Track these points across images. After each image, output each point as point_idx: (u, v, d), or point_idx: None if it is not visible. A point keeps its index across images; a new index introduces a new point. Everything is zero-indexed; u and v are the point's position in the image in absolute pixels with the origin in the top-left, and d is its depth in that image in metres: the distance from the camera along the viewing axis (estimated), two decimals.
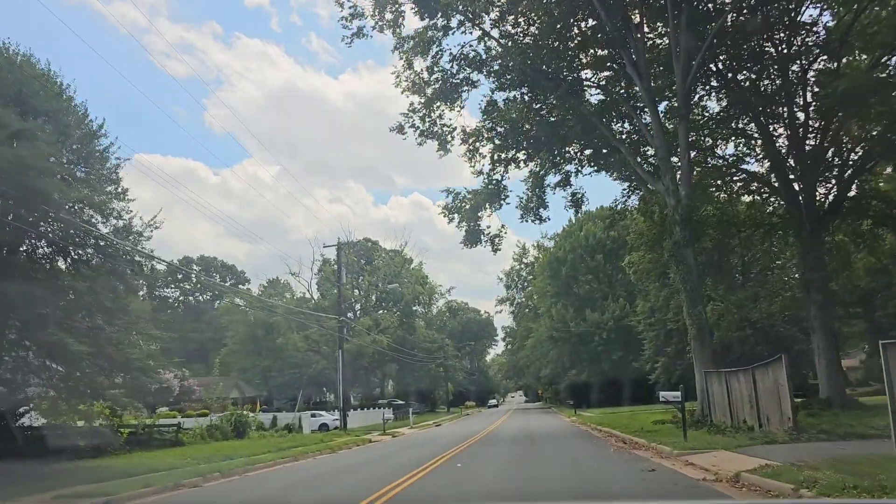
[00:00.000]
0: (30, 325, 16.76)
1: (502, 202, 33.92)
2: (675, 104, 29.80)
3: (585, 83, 31.74)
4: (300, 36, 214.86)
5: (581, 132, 30.57)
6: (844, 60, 29.05)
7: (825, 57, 29.70)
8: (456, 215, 34.05)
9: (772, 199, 35.14)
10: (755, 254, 37.13)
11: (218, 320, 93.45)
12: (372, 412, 56.95)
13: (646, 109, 29.97)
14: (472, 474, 15.26)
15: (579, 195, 34.59)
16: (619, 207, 36.63)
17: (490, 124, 32.54)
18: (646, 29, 30.18)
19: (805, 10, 29.10)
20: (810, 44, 29.72)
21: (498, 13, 30.63)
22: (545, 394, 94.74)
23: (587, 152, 33.68)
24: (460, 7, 29.71)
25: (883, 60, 27.16)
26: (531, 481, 13.53)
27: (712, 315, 35.29)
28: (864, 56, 28.75)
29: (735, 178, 35.51)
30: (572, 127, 30.71)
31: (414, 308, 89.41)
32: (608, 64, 31.50)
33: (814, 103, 29.99)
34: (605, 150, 32.56)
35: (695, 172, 30.83)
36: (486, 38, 31.22)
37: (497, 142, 32.85)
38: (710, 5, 28.58)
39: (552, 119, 31.88)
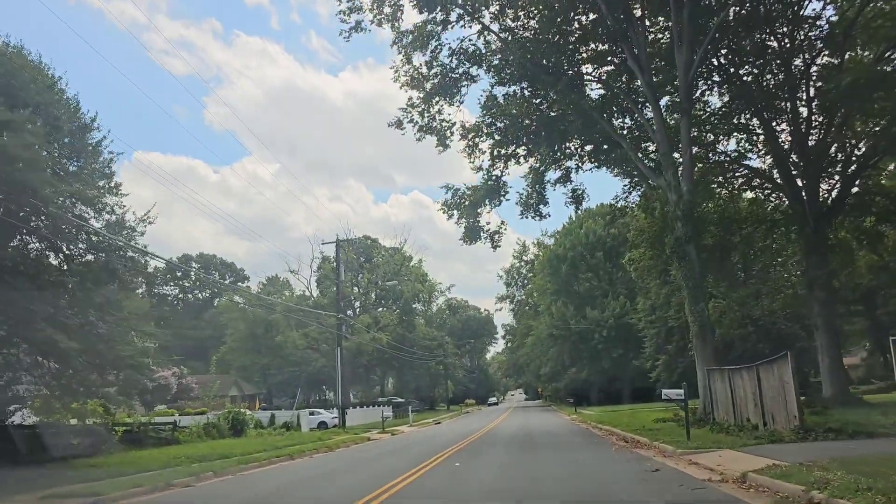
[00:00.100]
0: (20, 322, 16.41)
1: (502, 198, 33.57)
2: (677, 99, 29.48)
3: (586, 77, 31.38)
4: (300, 34, 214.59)
5: (581, 127, 30.22)
6: (848, 55, 28.70)
7: (828, 52, 29.35)
8: (455, 212, 33.73)
9: (774, 196, 34.82)
10: (757, 251, 36.74)
11: (217, 318, 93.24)
12: (371, 410, 56.64)
13: (647, 104, 29.62)
14: (470, 474, 14.93)
15: (580, 191, 34.28)
16: (619, 204, 36.30)
17: (490, 119, 32.17)
18: (647, 23, 29.83)
19: (808, 4, 28.88)
20: (813, 38, 29.38)
21: (498, 7, 30.26)
22: (545, 392, 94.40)
23: (588, 148, 33.34)
24: (459, 1, 29.37)
25: (887, 55, 26.76)
26: (531, 482, 13.18)
27: (714, 312, 34.94)
28: (867, 53, 28.36)
29: (737, 175, 35.18)
30: (573, 122, 30.37)
31: (414, 306, 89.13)
32: (609, 58, 31.15)
33: (817, 98, 29.63)
34: (605, 146, 32.22)
35: (696, 169, 30.49)
36: (485, 33, 30.91)
37: (497, 137, 32.47)
38: None
39: (552, 114, 31.53)
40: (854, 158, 30.57)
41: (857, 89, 24.95)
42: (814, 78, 29.95)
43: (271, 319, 76.36)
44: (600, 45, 31.05)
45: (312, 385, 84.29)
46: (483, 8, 30.11)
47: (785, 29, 29.53)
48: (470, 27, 30.89)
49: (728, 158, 34.25)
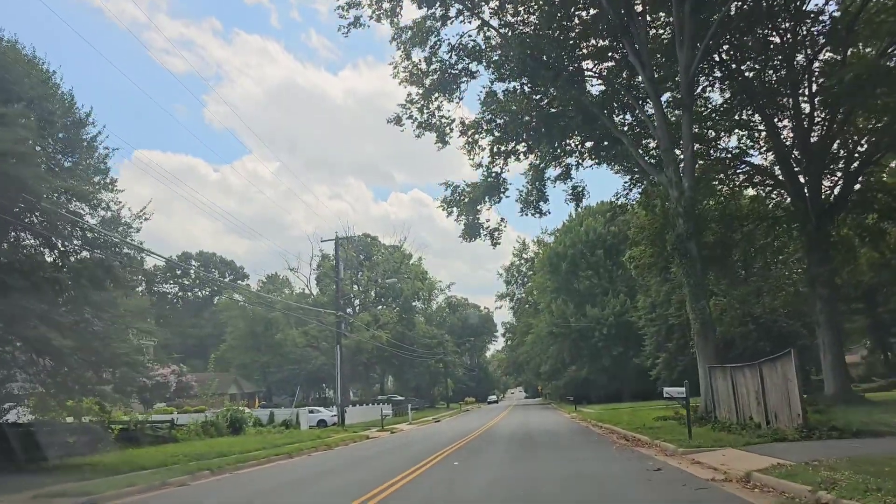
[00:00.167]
0: (14, 319, 16.18)
1: (502, 195, 33.41)
2: (678, 95, 29.24)
3: (586, 73, 31.14)
4: (300, 32, 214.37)
5: (582, 123, 29.99)
6: (851, 51, 28.47)
7: (831, 47, 29.11)
8: (455, 209, 33.55)
9: (775, 193, 34.60)
10: (758, 248, 36.52)
11: (217, 316, 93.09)
12: (371, 408, 56.47)
13: (648, 100, 29.39)
14: (468, 474, 14.72)
15: (580, 188, 34.05)
16: (620, 201, 36.08)
17: (489, 116, 31.99)
18: (648, 18, 29.60)
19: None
20: (815, 33, 29.13)
21: (497, 2, 30.07)
22: (545, 390, 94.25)
23: (588, 144, 33.13)
24: None
25: (890, 50, 26.52)
26: (531, 483, 12.95)
27: (714, 310, 34.72)
28: (870, 49, 28.12)
29: (738, 171, 34.95)
30: (573, 118, 30.14)
31: (413, 304, 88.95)
32: (609, 54, 30.93)
33: (819, 94, 29.40)
34: (606, 143, 32.00)
35: (697, 166, 30.27)
36: (485, 28, 30.67)
37: (496, 134, 32.28)
38: None
39: (552, 110, 31.33)
40: (857, 155, 30.33)
41: (860, 85, 24.77)
42: (816, 74, 29.71)
43: (271, 317, 76.19)
44: (601, 41, 30.82)
45: (312, 383, 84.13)
46: (483, 3, 29.93)
47: (787, 24, 29.28)
48: (469, 22, 30.69)
49: (729, 155, 34.03)
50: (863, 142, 30.02)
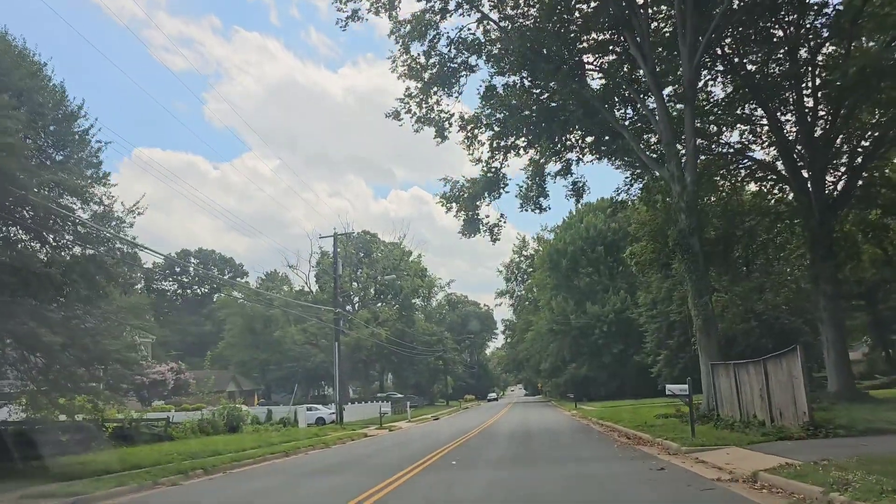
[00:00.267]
0: (2, 316, 15.81)
1: (501, 191, 33.10)
2: (680, 90, 28.90)
3: (587, 67, 30.76)
4: (299, 30, 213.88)
5: (582, 117, 29.61)
6: (854, 45, 28.09)
7: (835, 40, 28.74)
8: (454, 204, 33.21)
9: (778, 188, 34.22)
10: (760, 244, 36.16)
11: (216, 313, 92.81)
12: (369, 406, 56.14)
13: (650, 94, 29.02)
14: (467, 475, 14.39)
15: (580, 184, 33.63)
16: (620, 197, 35.70)
17: (489, 110, 31.61)
18: (650, 11, 29.22)
19: None
20: (819, 26, 28.77)
21: None
22: (545, 387, 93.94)
23: (588, 139, 32.74)
24: None
25: (895, 44, 26.15)
26: (532, 482, 12.62)
27: (716, 307, 34.41)
28: (872, 44, 27.74)
29: (740, 166, 34.58)
30: (573, 112, 29.79)
31: (413, 301, 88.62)
32: (610, 47, 30.58)
33: (823, 88, 29.03)
34: (607, 137, 31.62)
35: (699, 161, 29.89)
36: (484, 22, 30.32)
37: (496, 128, 31.91)
38: None
39: (553, 105, 31.01)
40: (860, 150, 29.97)
41: (865, 78, 24.41)
42: (820, 67, 29.35)
43: (270, 315, 75.92)
44: (602, 35, 30.45)
45: (311, 381, 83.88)
46: None
47: (791, 17, 28.91)
48: (469, 16, 30.29)
49: (731, 150, 33.67)
50: (867, 136, 29.63)
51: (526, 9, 29.74)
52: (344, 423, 40.18)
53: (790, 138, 30.72)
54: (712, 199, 33.37)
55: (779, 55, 29.97)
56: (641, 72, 29.07)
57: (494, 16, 29.99)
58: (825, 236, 28.67)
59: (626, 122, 31.10)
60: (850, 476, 8.62)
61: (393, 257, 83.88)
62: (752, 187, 35.69)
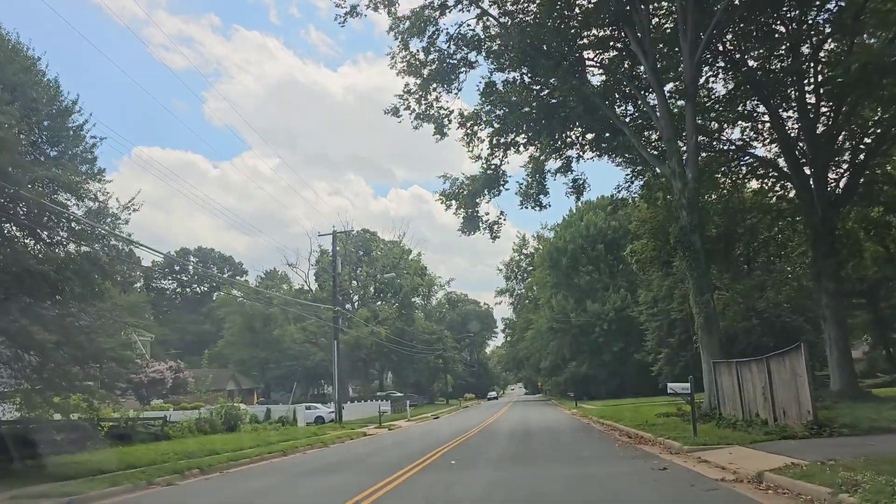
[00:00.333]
0: None
1: (501, 188, 32.88)
2: (681, 87, 28.70)
3: (588, 63, 30.52)
4: (299, 28, 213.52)
5: (583, 113, 29.39)
6: (857, 41, 27.84)
7: (837, 36, 28.51)
8: (454, 202, 33.00)
9: (780, 185, 33.98)
10: (761, 242, 35.93)
11: (215, 312, 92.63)
12: (369, 404, 55.89)
13: (650, 90, 28.80)
14: (466, 474, 14.17)
15: (581, 181, 33.49)
16: (621, 194, 35.48)
17: (488, 107, 31.38)
18: (651, 6, 28.99)
19: None
20: (822, 22, 28.53)
21: None
22: (545, 386, 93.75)
23: (589, 136, 32.52)
24: None
25: None
26: (532, 482, 12.39)
27: (717, 305, 34.24)
28: (874, 41, 27.49)
29: (741, 163, 34.34)
30: (574, 108, 29.56)
31: (413, 299, 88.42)
32: (611, 44, 30.35)
33: (825, 85, 28.79)
34: (607, 134, 31.40)
35: (700, 158, 29.66)
36: (484, 18, 30.07)
37: (496, 125, 31.70)
38: None
39: (553, 101, 30.78)
40: (863, 146, 29.73)
41: (867, 75, 24.19)
42: (822, 63, 29.11)
43: (269, 313, 75.75)
44: (602, 31, 30.21)
45: (311, 379, 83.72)
46: None
47: (793, 13, 28.66)
48: (468, 11, 30.07)
49: (733, 147, 33.43)
50: (869, 133, 29.40)
51: (526, 4, 29.47)
52: (343, 422, 39.97)
53: (792, 135, 30.48)
54: (713, 196, 33.15)
55: (780, 51, 29.74)
56: (642, 68, 28.86)
57: (494, 11, 29.77)
58: (827, 233, 28.43)
59: (627, 119, 30.90)
60: (858, 477, 8.38)
61: (392, 255, 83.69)
62: (754, 184, 35.48)
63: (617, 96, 31.08)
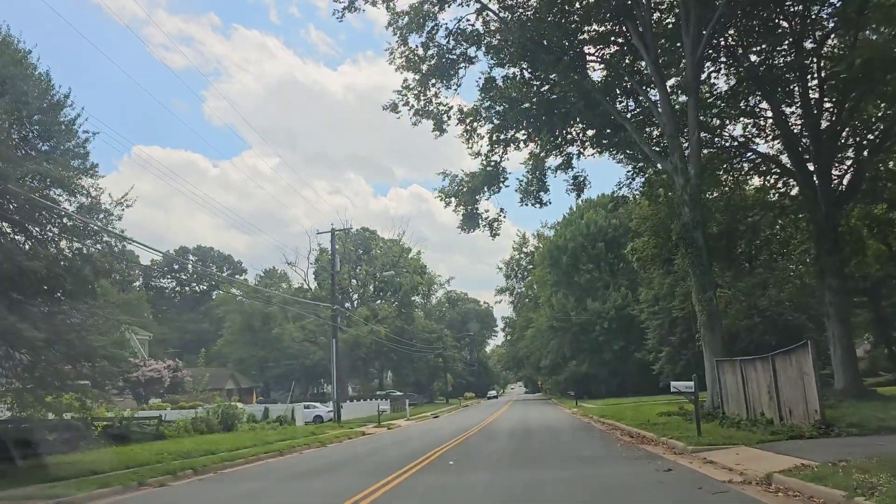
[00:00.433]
0: None
1: (501, 185, 32.57)
2: (683, 82, 28.35)
3: (588, 58, 30.18)
4: (299, 27, 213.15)
5: (584, 108, 29.02)
6: (860, 36, 27.50)
7: (840, 31, 28.15)
8: (453, 199, 32.65)
9: (782, 182, 33.63)
10: (764, 239, 35.58)
11: (214, 311, 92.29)
12: (368, 404, 55.54)
13: (652, 86, 28.48)
14: (464, 476, 13.81)
15: (581, 178, 33.11)
16: (622, 191, 35.12)
17: (488, 103, 31.05)
18: (653, 1, 28.64)
19: None
20: (825, 17, 28.18)
21: None
22: (545, 385, 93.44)
23: (590, 132, 32.20)
24: None
25: None
26: (533, 484, 12.04)
27: (719, 303, 33.89)
28: (876, 37, 27.16)
29: (743, 160, 34.00)
30: (574, 104, 29.21)
31: (412, 298, 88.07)
32: (612, 39, 30.01)
33: (828, 80, 28.45)
34: (608, 130, 31.06)
35: (702, 154, 29.32)
36: (484, 13, 29.72)
37: (496, 121, 31.37)
38: None
39: (553, 97, 30.44)
40: (866, 142, 29.38)
41: (871, 70, 23.88)
42: (826, 58, 28.76)
43: (268, 312, 75.41)
44: (603, 27, 29.87)
45: (310, 378, 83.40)
46: None
47: (796, 8, 28.32)
48: (467, 6, 29.69)
49: (735, 143, 33.08)
50: (874, 128, 29.05)
51: None
52: (342, 422, 39.64)
53: (795, 131, 30.14)
54: (715, 193, 32.82)
55: (783, 46, 29.37)
56: (643, 63, 28.56)
57: (493, 6, 29.43)
58: (831, 230, 28.08)
59: (628, 115, 30.54)
60: (873, 479, 8.03)
61: (392, 254, 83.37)
62: (756, 182, 35.13)
63: (618, 92, 30.74)
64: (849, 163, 30.10)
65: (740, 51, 30.16)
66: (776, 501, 8.77)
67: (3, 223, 17.02)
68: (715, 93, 31.95)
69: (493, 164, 32.02)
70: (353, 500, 10.85)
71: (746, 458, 12.42)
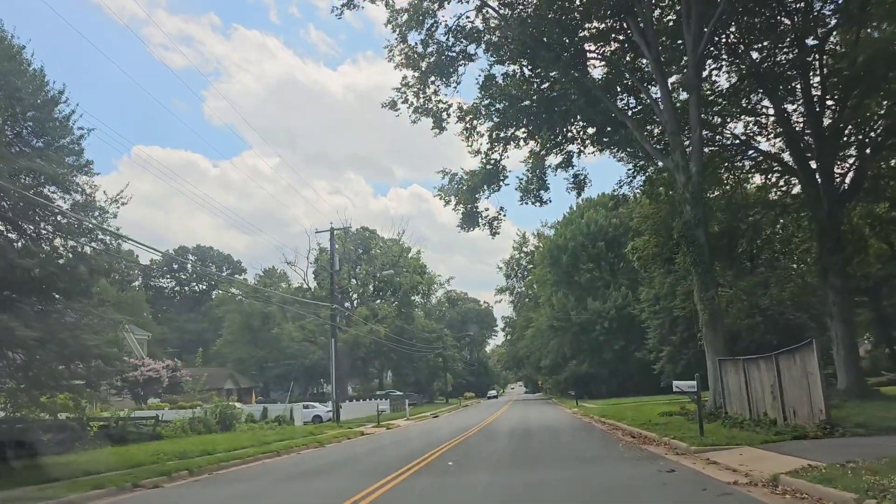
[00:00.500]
0: None
1: (501, 183, 32.37)
2: (684, 79, 28.13)
3: (589, 55, 29.95)
4: (299, 27, 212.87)
5: (584, 105, 28.81)
6: (863, 33, 27.27)
7: (843, 28, 27.92)
8: (453, 197, 32.43)
9: (784, 180, 33.40)
10: (765, 238, 35.34)
11: (214, 311, 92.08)
12: (367, 403, 55.29)
13: (653, 83, 28.26)
14: (463, 478, 13.56)
15: (582, 176, 32.90)
16: (623, 190, 34.91)
17: (488, 100, 30.83)
18: None
19: None
20: (827, 14, 27.95)
21: None
22: (545, 385, 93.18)
23: (590, 131, 32.00)
24: None
25: None
26: (533, 486, 11.81)
27: (721, 302, 33.66)
28: (877, 34, 26.92)
29: (745, 158, 33.76)
30: (575, 101, 29.00)
31: (412, 298, 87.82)
32: (613, 36, 29.80)
33: (831, 77, 28.23)
34: (608, 128, 30.86)
35: (704, 153, 29.08)
36: (483, 10, 29.51)
37: (495, 119, 31.16)
38: None
39: (553, 94, 30.21)
40: (868, 140, 29.15)
41: (874, 67, 23.66)
42: (828, 55, 28.54)
43: (268, 312, 75.22)
44: (604, 24, 29.64)
45: (310, 378, 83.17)
46: None
47: (798, 4, 28.09)
48: (467, 2, 29.61)
49: (737, 141, 32.84)
50: (877, 126, 28.81)
51: None
52: (341, 422, 39.38)
53: (797, 129, 29.91)
54: (716, 192, 32.59)
55: (785, 43, 29.14)
56: (644, 61, 28.36)
57: (493, 3, 29.25)
58: (833, 229, 27.86)
59: (629, 112, 30.33)
60: (884, 481, 7.80)
61: (392, 253, 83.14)
62: (757, 180, 34.91)
63: (618, 89, 30.56)
64: (851, 161, 29.91)
65: (742, 48, 29.95)
66: None
67: None
68: (716, 90, 31.75)
69: (492, 162, 31.83)
70: (350, 502, 10.63)
71: (751, 458, 12.20)
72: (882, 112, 27.99)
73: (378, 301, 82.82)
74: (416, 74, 30.30)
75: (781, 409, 16.51)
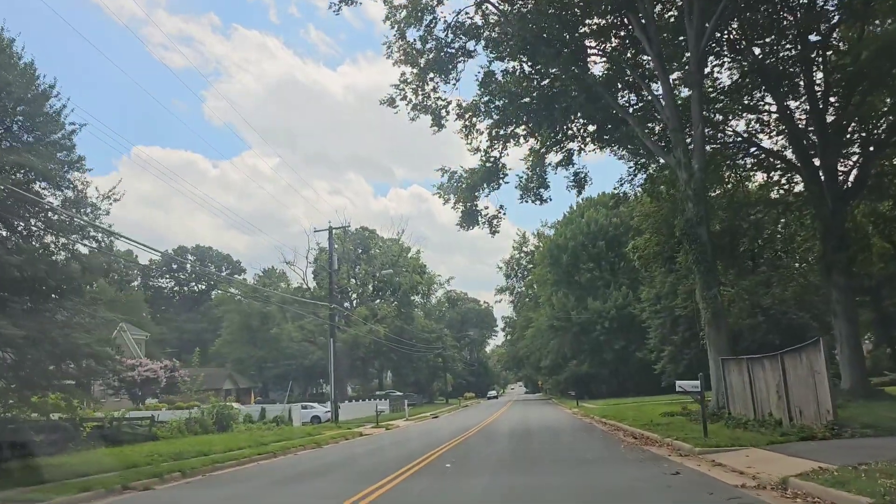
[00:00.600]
0: None
1: (501, 181, 32.05)
2: (686, 76, 27.81)
3: (590, 51, 29.63)
4: (299, 28, 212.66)
5: (585, 102, 28.49)
6: (867, 29, 26.96)
7: (846, 23, 27.61)
8: (452, 196, 32.11)
9: (786, 179, 33.07)
10: (767, 237, 35.01)
11: (213, 311, 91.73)
12: (367, 404, 54.94)
13: (655, 79, 27.92)
14: (461, 481, 13.20)
15: (582, 175, 32.61)
16: (623, 188, 34.58)
17: (487, 97, 30.49)
18: None
19: None
20: (831, 9, 27.62)
21: None
22: (545, 385, 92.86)
23: (591, 128, 31.64)
24: None
25: None
26: (533, 489, 11.45)
27: (722, 301, 33.33)
28: (881, 30, 26.60)
29: (747, 156, 33.42)
30: (575, 98, 28.67)
31: (412, 298, 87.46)
32: (614, 32, 29.46)
33: (834, 73, 27.89)
34: (609, 126, 30.51)
35: (706, 149, 28.76)
36: (483, 6, 29.17)
37: (495, 116, 30.82)
38: None
39: (553, 91, 29.88)
40: (873, 137, 28.82)
41: (878, 63, 23.36)
42: (831, 51, 28.21)
43: (267, 312, 74.88)
44: (605, 20, 29.31)
45: (309, 378, 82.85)
46: None
47: (801, 0, 27.77)
48: None
49: (738, 139, 32.50)
50: (881, 122, 28.48)
51: None
52: (340, 422, 39.04)
53: (800, 126, 29.57)
54: (717, 191, 32.28)
55: (788, 39, 28.82)
56: (646, 57, 28.02)
57: None
58: (837, 227, 27.52)
59: (630, 109, 29.99)
60: None
61: (391, 253, 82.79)
62: (759, 178, 34.58)
63: (619, 86, 30.21)
64: (854, 158, 29.57)
65: (744, 44, 29.62)
66: None
67: None
68: (718, 87, 31.41)
69: (492, 160, 31.54)
70: (355, 498, 10.30)
71: (757, 460, 11.86)
72: (886, 109, 27.69)
73: (377, 301, 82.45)
74: (415, 71, 29.98)
75: (787, 409, 16.17)
